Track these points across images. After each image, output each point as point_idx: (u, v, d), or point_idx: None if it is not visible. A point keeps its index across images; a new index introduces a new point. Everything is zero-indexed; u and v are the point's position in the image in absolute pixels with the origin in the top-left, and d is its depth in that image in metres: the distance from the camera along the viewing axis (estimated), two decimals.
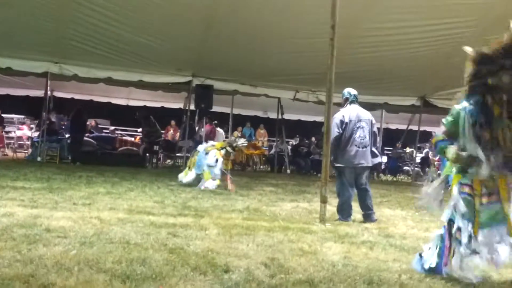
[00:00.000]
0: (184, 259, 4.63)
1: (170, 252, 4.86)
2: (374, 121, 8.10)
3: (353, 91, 8.13)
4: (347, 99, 8.09)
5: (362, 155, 7.79)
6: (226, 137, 17.97)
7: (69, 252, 4.62)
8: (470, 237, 4.39)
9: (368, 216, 7.76)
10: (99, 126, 21.27)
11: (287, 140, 20.53)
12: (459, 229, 4.49)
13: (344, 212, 7.71)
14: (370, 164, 7.99)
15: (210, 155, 11.24)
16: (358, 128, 7.81)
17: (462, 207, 4.46)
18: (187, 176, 11.45)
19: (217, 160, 11.16)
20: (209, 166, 11.11)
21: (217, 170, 11.09)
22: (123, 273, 4.07)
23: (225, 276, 4.20)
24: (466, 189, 4.50)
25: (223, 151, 11.33)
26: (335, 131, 7.75)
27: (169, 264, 4.42)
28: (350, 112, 7.91)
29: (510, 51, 4.20)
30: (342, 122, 7.81)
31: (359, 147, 7.77)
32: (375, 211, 7.98)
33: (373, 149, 7.99)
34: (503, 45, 4.23)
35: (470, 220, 4.42)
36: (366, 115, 8.01)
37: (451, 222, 4.62)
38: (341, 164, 7.82)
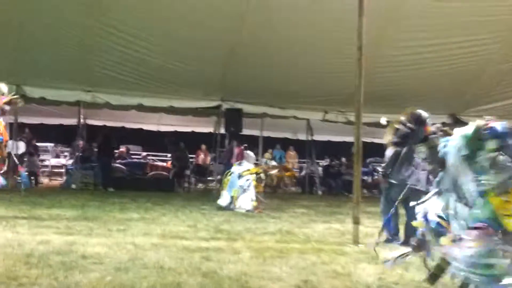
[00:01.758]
0: (218, 283, 4.65)
1: (203, 276, 4.89)
2: None
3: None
4: None
5: (416, 176, 7.63)
6: (257, 160, 18.01)
7: (105, 278, 4.67)
8: None
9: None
10: (130, 152, 21.52)
11: (317, 161, 20.45)
12: None
13: (389, 230, 7.67)
14: (421, 188, 7.81)
15: (244, 179, 11.35)
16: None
17: None
18: (222, 198, 11.51)
19: (250, 185, 11.24)
20: (241, 187, 11.21)
21: (250, 195, 11.19)
22: None
23: None
24: None
25: (255, 176, 11.44)
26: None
27: None
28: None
29: None
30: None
31: (416, 168, 7.65)
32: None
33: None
34: None
35: None
36: None
37: None
38: (394, 181, 7.79)
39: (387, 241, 7.53)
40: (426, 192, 6.05)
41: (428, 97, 15.04)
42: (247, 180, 11.30)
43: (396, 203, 7.46)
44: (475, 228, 3.84)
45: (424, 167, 7.57)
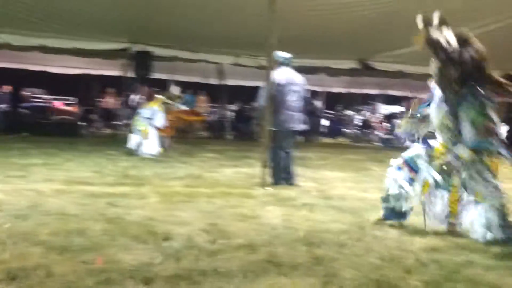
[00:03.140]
0: (124, 228, 4.56)
1: (108, 222, 4.78)
2: (305, 86, 8.04)
3: (286, 54, 7.97)
4: (279, 62, 7.92)
5: (294, 119, 7.72)
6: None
7: (3, 225, 4.47)
8: None
9: (290, 180, 7.70)
10: (33, 95, 20.48)
11: (228, 105, 20.43)
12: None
13: (277, 176, 7.67)
14: (300, 129, 7.97)
15: (147, 109, 11.22)
16: (291, 91, 7.72)
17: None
18: (131, 140, 11.28)
19: (155, 113, 11.09)
20: (147, 119, 11.05)
21: (158, 122, 11.10)
22: (60, 245, 3.97)
23: (165, 244, 4.16)
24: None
25: (163, 107, 11.39)
26: (281, 95, 7.62)
27: (108, 234, 4.34)
28: (284, 75, 7.79)
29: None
30: (277, 84, 7.67)
31: (291, 111, 7.68)
32: (315, 173, 8.06)
33: (302, 114, 7.94)
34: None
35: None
36: (299, 79, 7.92)
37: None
38: (274, 128, 7.67)
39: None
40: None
41: (340, 42, 15.22)
42: (151, 109, 11.17)
43: (282, 149, 7.63)
44: None
45: (300, 108, 7.74)
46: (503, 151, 4.67)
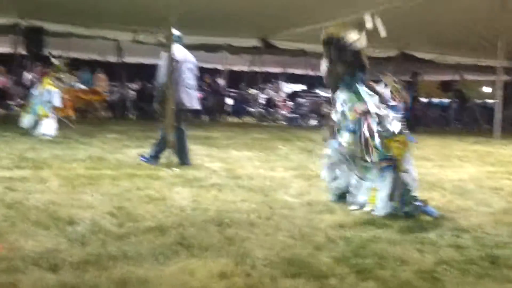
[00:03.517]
0: (24, 214, 4.32)
1: (7, 208, 4.52)
2: (197, 64, 7.91)
3: (177, 32, 7.71)
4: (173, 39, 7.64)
5: (191, 97, 7.62)
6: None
7: None
8: None
9: (185, 158, 7.61)
10: None
11: (128, 84, 19.91)
12: None
13: (184, 156, 7.54)
14: (196, 107, 7.90)
15: (44, 91, 10.68)
16: (187, 69, 7.56)
17: None
18: (26, 119, 10.72)
19: (51, 94, 10.62)
20: (47, 102, 10.55)
21: (55, 101, 10.60)
22: None
23: (69, 229, 3.99)
24: None
25: (53, 82, 10.83)
26: (178, 72, 7.43)
27: (7, 220, 4.12)
28: (179, 52, 7.59)
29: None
30: (175, 62, 7.44)
31: (187, 89, 7.55)
32: (222, 153, 8.01)
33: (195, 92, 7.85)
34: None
35: None
36: (191, 57, 7.76)
37: None
38: (172, 106, 7.44)
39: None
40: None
41: (241, 19, 15.19)
42: (46, 90, 10.67)
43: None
44: None
45: (196, 87, 7.71)
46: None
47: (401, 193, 4.86)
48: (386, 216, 4.75)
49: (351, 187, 5.22)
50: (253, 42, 17.88)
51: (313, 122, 18.83)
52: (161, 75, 7.46)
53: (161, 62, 7.49)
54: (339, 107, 5.28)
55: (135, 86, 20.75)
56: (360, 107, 5.07)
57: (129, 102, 18.76)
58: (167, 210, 4.75)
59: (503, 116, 14.51)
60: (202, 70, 23.37)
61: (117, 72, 19.41)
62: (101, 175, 6.35)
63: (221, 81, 21.81)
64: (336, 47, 5.28)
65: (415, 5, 13.92)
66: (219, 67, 23.56)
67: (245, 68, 23.20)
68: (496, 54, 13.88)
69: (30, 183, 5.69)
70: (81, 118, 16.18)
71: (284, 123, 18.96)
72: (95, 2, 13.62)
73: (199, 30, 15.55)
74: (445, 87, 24.31)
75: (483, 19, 14.23)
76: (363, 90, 5.16)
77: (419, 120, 15.23)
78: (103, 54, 21.36)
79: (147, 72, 22.79)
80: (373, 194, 4.99)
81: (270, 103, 21.17)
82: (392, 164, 4.92)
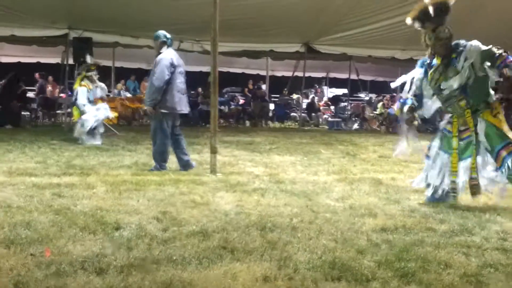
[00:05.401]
0: (72, 219, 4.43)
1: (56, 214, 4.63)
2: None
3: (169, 34, 7.67)
4: (164, 42, 7.60)
5: (183, 101, 7.60)
6: (109, 92, 17.38)
7: None
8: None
9: (187, 163, 7.63)
10: None
11: None
12: None
13: (161, 158, 7.53)
14: (186, 111, 7.86)
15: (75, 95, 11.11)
16: (179, 73, 7.52)
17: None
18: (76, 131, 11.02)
19: (77, 91, 11.06)
20: (81, 105, 10.90)
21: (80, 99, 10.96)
22: (6, 238, 3.84)
23: (116, 234, 4.07)
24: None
25: (85, 82, 11.17)
26: (165, 74, 7.32)
27: (56, 226, 4.22)
28: (173, 55, 7.54)
29: None
30: (172, 65, 7.41)
31: (180, 93, 7.53)
32: (265, 157, 8.04)
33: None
34: None
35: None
36: (181, 61, 7.72)
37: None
38: (165, 110, 7.45)
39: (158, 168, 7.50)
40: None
41: (283, 26, 15.24)
42: (77, 92, 11.02)
43: (173, 132, 7.56)
44: None
45: (184, 90, 7.63)
46: None
47: None
48: (431, 219, 4.71)
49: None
50: (296, 48, 17.88)
51: (355, 125, 18.70)
52: (158, 79, 7.31)
53: (159, 67, 7.34)
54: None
55: None
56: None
57: None
58: (210, 214, 4.81)
59: None
60: (245, 76, 23.77)
61: None
62: (146, 180, 6.46)
63: (263, 87, 21.89)
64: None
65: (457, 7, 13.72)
66: (262, 73, 23.67)
67: (287, 73, 23.22)
68: None
69: (78, 189, 5.82)
70: (127, 125, 16.55)
71: (326, 127, 18.88)
72: (141, 13, 13.91)
73: (242, 37, 15.68)
74: None
75: None
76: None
77: None
78: (150, 62, 21.71)
79: (190, 78, 23.14)
80: None
81: (312, 107, 21.12)
82: None
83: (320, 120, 20.14)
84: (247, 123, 19.15)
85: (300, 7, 14.04)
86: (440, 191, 5.50)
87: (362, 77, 25.27)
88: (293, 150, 10.51)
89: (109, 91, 17.37)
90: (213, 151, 7.34)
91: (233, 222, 4.51)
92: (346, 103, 21.32)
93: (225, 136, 12.06)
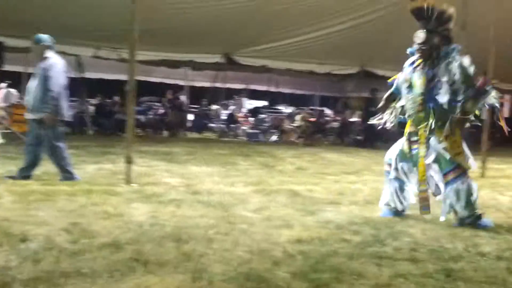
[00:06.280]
0: None
1: None
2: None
3: (50, 38, 7.27)
4: (48, 46, 7.21)
5: (67, 107, 7.34)
6: (21, 98, 16.67)
7: None
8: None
9: (69, 173, 7.30)
10: None
11: (88, 99, 19.66)
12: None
13: (65, 164, 7.26)
14: (69, 118, 7.68)
15: None
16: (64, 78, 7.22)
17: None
18: None
19: None
20: None
21: None
22: None
23: (22, 246, 3.88)
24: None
25: None
26: (62, 79, 7.07)
27: None
28: (60, 60, 7.25)
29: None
30: (64, 70, 7.18)
31: (66, 99, 7.28)
32: (182, 168, 7.92)
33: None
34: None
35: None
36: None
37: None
38: (59, 117, 7.14)
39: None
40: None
41: (204, 36, 15.17)
42: None
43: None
44: None
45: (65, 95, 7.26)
46: None
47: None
48: (345, 231, 4.78)
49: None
50: (216, 59, 17.86)
51: (274, 137, 18.89)
52: (56, 84, 6.99)
53: (53, 71, 7.00)
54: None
55: (93, 101, 20.48)
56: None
57: (87, 117, 18.50)
58: (123, 226, 4.66)
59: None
60: (164, 86, 23.53)
61: (77, 87, 19.12)
62: (57, 190, 6.20)
63: (182, 97, 21.75)
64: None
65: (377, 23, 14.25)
66: (181, 83, 23.54)
67: (207, 84, 23.22)
68: None
69: None
70: None
71: (245, 138, 18.96)
72: (56, 18, 13.45)
73: (162, 47, 15.50)
74: None
75: None
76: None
77: (377, 135, 15.38)
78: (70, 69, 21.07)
79: (107, 86, 22.68)
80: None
81: (231, 119, 21.18)
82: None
83: (239, 131, 20.19)
84: (165, 133, 18.93)
85: (222, 19, 14.08)
86: (400, 205, 5.60)
87: (281, 89, 25.70)
88: (211, 161, 10.44)
89: (20, 98, 16.68)
90: (128, 161, 7.16)
91: (147, 234, 4.40)
92: (265, 115, 21.52)
93: (142, 146, 11.82)
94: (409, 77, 5.40)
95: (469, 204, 5.17)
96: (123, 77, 18.86)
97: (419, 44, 5.28)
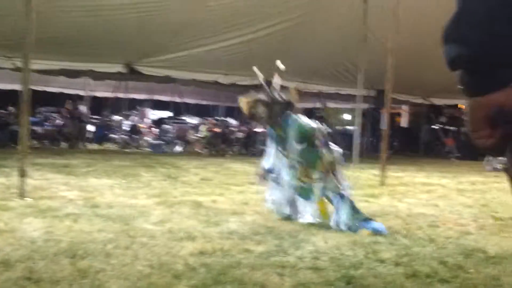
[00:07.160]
0: None
1: None
2: None
3: None
4: None
5: None
6: None
7: None
8: None
9: None
10: None
11: None
12: None
13: None
14: None
15: None
16: None
17: None
18: None
19: None
20: None
21: None
22: None
23: None
24: None
25: None
26: None
27: None
28: None
29: None
30: None
31: None
32: (81, 181, 7.64)
33: None
34: None
35: None
36: None
37: None
38: None
39: None
40: None
41: (104, 45, 14.79)
42: None
43: None
44: None
45: None
46: None
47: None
48: (248, 241, 4.76)
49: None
50: (117, 68, 17.43)
51: (179, 148, 18.71)
52: None
53: None
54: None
55: None
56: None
57: None
58: (15, 242, 4.40)
59: (361, 141, 15.29)
60: (64, 96, 22.70)
61: None
62: None
63: (82, 107, 21.08)
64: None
65: (281, 35, 14.50)
66: (81, 93, 22.84)
67: (109, 94, 22.63)
68: (356, 83, 14.53)
69: None
70: None
71: (149, 149, 18.64)
72: None
73: (59, 56, 14.95)
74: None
75: (346, 50, 15.15)
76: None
77: None
78: None
79: (1, 97, 21.55)
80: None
81: (134, 129, 20.75)
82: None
83: (142, 142, 19.81)
84: (64, 144, 18.24)
85: (123, 29, 13.80)
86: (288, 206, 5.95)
87: (186, 100, 25.52)
88: (111, 173, 10.14)
89: None
90: (22, 174, 6.80)
91: (40, 250, 4.17)
92: (170, 126, 21.26)
93: (38, 158, 11.30)
94: None
95: None
96: (18, 86, 18.00)
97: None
